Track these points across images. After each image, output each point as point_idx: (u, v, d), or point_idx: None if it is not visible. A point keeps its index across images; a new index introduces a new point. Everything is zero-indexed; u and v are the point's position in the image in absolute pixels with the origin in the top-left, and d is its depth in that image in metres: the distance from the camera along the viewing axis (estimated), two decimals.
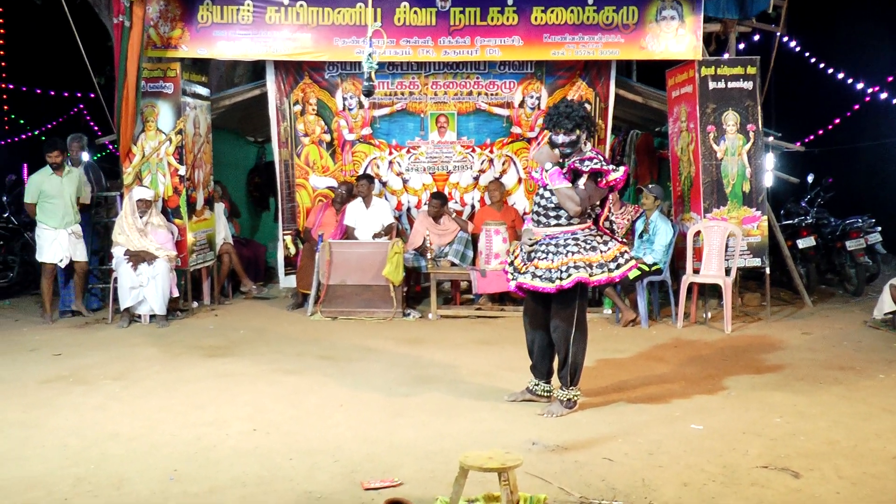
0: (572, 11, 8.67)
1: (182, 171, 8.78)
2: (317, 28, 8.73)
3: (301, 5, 8.67)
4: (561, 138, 5.16)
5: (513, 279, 5.32)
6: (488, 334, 7.87)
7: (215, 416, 5.19)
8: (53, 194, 8.45)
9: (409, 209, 10.06)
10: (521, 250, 5.31)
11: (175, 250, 8.53)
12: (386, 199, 9.83)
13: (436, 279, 8.88)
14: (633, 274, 7.64)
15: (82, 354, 7.01)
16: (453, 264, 9.00)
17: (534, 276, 5.12)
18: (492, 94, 9.87)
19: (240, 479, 4.09)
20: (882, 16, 12.51)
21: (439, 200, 9.40)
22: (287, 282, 9.98)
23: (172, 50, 8.72)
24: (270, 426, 4.97)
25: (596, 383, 5.87)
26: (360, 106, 9.92)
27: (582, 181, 5.09)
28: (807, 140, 13.46)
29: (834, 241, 9.87)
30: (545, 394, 5.42)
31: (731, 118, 8.53)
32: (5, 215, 10.48)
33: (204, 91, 9.44)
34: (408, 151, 10.01)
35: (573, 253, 5.04)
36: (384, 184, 10.01)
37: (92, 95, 15.85)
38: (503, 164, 9.99)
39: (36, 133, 17.91)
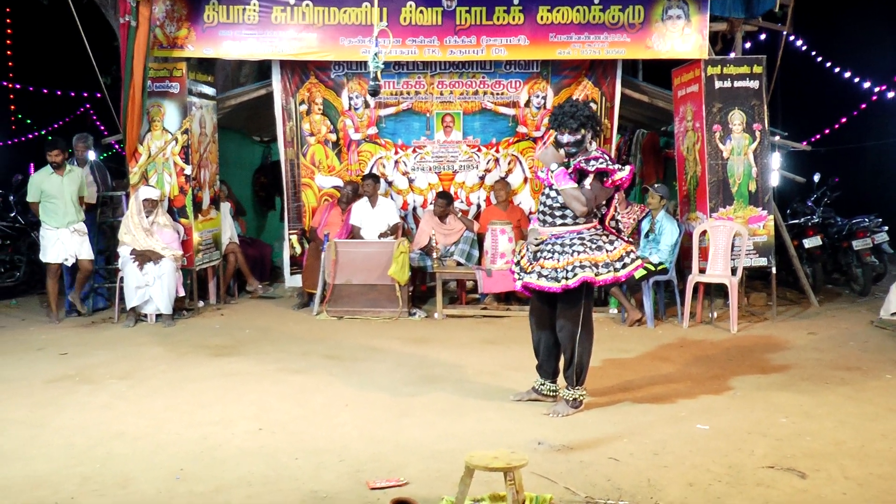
0: (578, 11, 8.66)
1: (188, 170, 8.79)
2: (322, 28, 8.73)
3: (307, 5, 8.67)
4: (566, 138, 5.16)
5: (519, 279, 5.32)
6: (494, 334, 7.87)
7: (221, 415, 5.20)
8: (54, 194, 8.44)
9: (414, 209, 10.07)
10: (528, 250, 5.31)
11: (181, 250, 8.54)
12: (392, 198, 9.83)
13: (441, 279, 8.88)
14: (638, 273, 7.63)
15: (88, 354, 7.03)
16: (459, 264, 9.00)
17: (539, 275, 5.11)
18: (497, 94, 9.87)
19: (245, 479, 4.10)
20: (888, 15, 12.49)
21: (445, 200, 9.40)
22: (293, 281, 9.99)
23: (178, 50, 8.74)
24: (276, 425, 4.97)
25: (601, 383, 5.86)
26: (366, 105, 9.92)
27: (588, 181, 5.08)
28: (813, 139, 13.44)
29: (840, 241, 9.85)
30: (551, 393, 5.42)
31: (737, 117, 8.52)
32: (12, 215, 10.51)
33: (210, 91, 9.46)
34: (413, 151, 10.01)
35: (579, 252, 5.04)
36: (390, 183, 10.02)
37: (98, 95, 15.87)
38: (509, 163, 9.99)
39: (42, 133, 17.95)
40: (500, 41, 8.77)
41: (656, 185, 8.82)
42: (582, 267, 4.99)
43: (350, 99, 9.90)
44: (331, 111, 9.92)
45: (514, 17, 8.71)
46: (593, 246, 5.08)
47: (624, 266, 5.09)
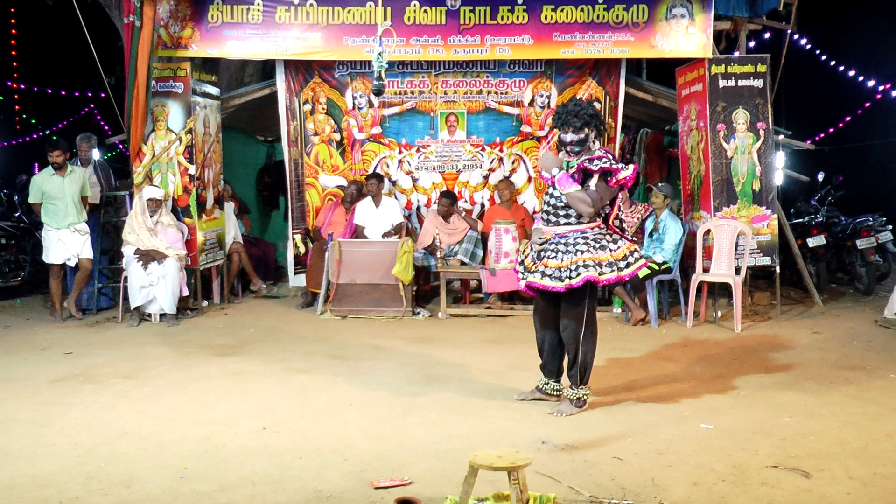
0: (582, 10, 8.66)
1: (192, 170, 8.80)
2: (327, 27, 8.74)
3: (311, 5, 8.68)
4: (569, 136, 5.16)
5: (522, 278, 5.33)
6: (498, 333, 7.87)
7: (225, 414, 5.20)
8: (55, 195, 8.41)
9: (418, 208, 10.07)
10: (532, 249, 5.31)
11: (185, 249, 8.55)
12: (396, 198, 9.84)
13: (445, 278, 8.88)
14: (642, 273, 7.61)
15: (93, 353, 7.04)
16: (463, 263, 9.00)
17: (543, 274, 5.11)
18: (501, 93, 9.87)
19: (249, 478, 4.11)
20: (893, 13, 12.45)
21: (449, 199, 9.39)
22: (297, 281, 10.01)
23: (182, 49, 8.75)
24: (280, 425, 4.98)
25: (605, 382, 5.86)
26: (370, 105, 9.92)
27: (593, 182, 5.08)
28: (817, 138, 13.43)
29: (844, 240, 9.83)
30: (555, 393, 5.42)
31: (741, 116, 8.51)
32: (16, 215, 10.53)
33: (214, 90, 9.47)
34: (417, 150, 10.01)
35: (583, 252, 5.04)
36: (394, 183, 10.02)
37: (102, 95, 15.94)
38: (513, 162, 9.99)
39: (47, 133, 18.01)
40: (504, 40, 8.77)
41: (660, 185, 8.81)
42: (585, 266, 5.00)
43: (354, 98, 9.90)
44: (335, 111, 9.93)
45: (518, 17, 8.71)
46: (597, 245, 5.08)
47: (627, 265, 5.09)
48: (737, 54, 9.00)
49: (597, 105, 9.49)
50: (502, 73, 9.81)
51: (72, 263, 8.56)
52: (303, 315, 8.89)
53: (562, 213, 5.16)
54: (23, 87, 17.21)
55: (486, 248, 8.98)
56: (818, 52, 12.61)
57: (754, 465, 4.24)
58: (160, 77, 8.73)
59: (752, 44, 10.23)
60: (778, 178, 9.47)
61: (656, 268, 8.12)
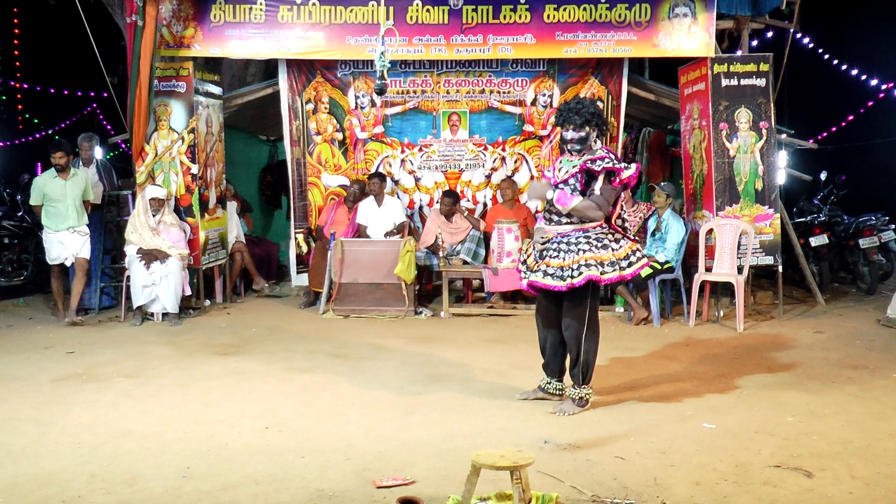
0: (585, 9, 8.67)
1: (194, 169, 8.81)
2: (329, 27, 8.75)
3: (313, 4, 8.68)
4: (570, 134, 5.17)
5: (525, 277, 5.33)
6: (500, 332, 7.87)
7: (228, 413, 5.21)
8: (56, 197, 8.36)
9: (421, 207, 10.07)
10: (534, 248, 5.31)
11: (187, 249, 8.56)
12: (398, 197, 9.84)
13: (448, 277, 8.88)
14: (645, 272, 7.67)
15: (95, 352, 7.05)
16: (465, 262, 9.00)
17: (545, 274, 5.11)
18: (504, 93, 9.86)
19: (252, 477, 4.11)
20: None
21: (451, 199, 9.40)
22: (299, 280, 10.01)
23: (185, 49, 8.76)
24: (282, 424, 4.98)
25: (608, 382, 5.86)
26: (373, 104, 9.92)
27: (598, 186, 5.07)
28: (820, 137, 13.42)
29: (847, 240, 9.83)
30: (557, 392, 5.42)
31: (743, 115, 8.50)
32: (19, 214, 10.53)
33: (216, 90, 9.47)
34: (420, 150, 10.01)
35: (585, 251, 5.04)
36: (396, 182, 10.02)
37: (105, 95, 15.95)
38: (515, 162, 9.99)
39: (50, 132, 18.03)
40: (507, 40, 8.77)
41: (662, 184, 8.81)
42: (587, 265, 4.99)
43: (356, 98, 9.90)
44: (337, 110, 9.93)
45: (520, 16, 8.71)
46: (599, 245, 5.08)
47: (630, 265, 5.09)
48: (739, 53, 9.00)
49: (599, 104, 9.48)
50: (505, 73, 9.80)
51: (68, 263, 8.51)
52: (305, 314, 8.89)
53: (564, 212, 5.16)
54: (25, 86, 17.22)
55: (489, 247, 8.98)
56: (821, 50, 12.59)
57: (757, 464, 4.23)
58: (163, 76, 8.73)
59: (754, 43, 10.23)
60: (780, 178, 9.47)
61: (659, 267, 8.12)
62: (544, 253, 5.19)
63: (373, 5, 8.65)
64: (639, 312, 8.15)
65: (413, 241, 8.82)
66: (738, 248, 8.19)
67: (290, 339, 7.58)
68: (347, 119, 9.94)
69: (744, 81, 8.53)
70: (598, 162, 5.06)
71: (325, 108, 9.89)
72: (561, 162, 5.30)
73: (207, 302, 9.27)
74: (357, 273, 8.75)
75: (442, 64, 9.66)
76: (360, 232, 9.28)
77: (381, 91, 5.98)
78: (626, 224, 8.86)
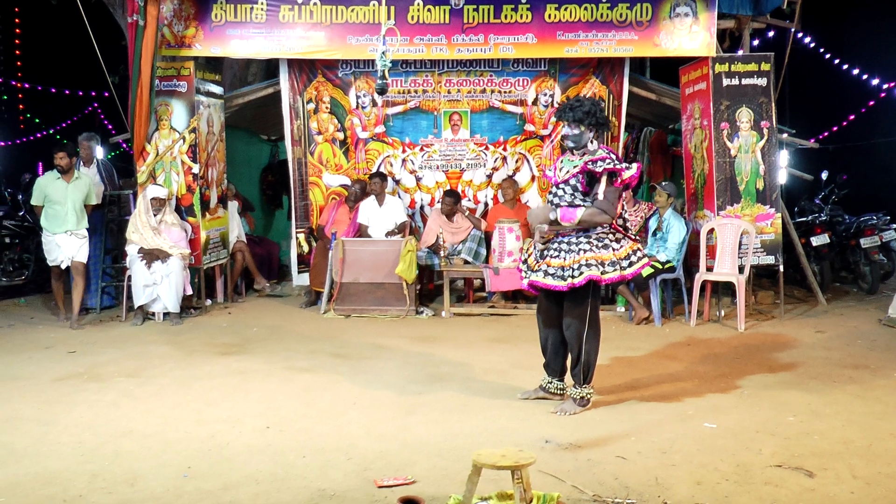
0: (586, 9, 8.67)
1: (196, 169, 8.81)
2: (330, 26, 8.75)
3: (314, 4, 8.69)
4: (565, 130, 5.20)
5: (526, 277, 5.33)
6: (501, 332, 7.87)
7: (229, 413, 5.21)
8: (57, 199, 8.29)
9: (422, 207, 10.07)
10: (535, 248, 5.31)
11: (188, 248, 8.56)
12: (399, 197, 9.84)
13: (449, 277, 8.88)
14: (646, 272, 7.67)
15: (97, 352, 7.05)
16: (466, 262, 9.00)
17: (546, 273, 5.12)
18: (505, 92, 9.86)
19: (253, 477, 4.11)
20: None
21: (452, 198, 9.40)
22: (300, 280, 10.01)
23: (186, 49, 8.77)
24: (284, 424, 4.98)
25: (609, 381, 5.86)
26: (374, 104, 9.92)
27: (601, 189, 5.07)
28: (821, 137, 13.42)
29: (848, 239, 9.82)
30: (558, 392, 5.42)
31: (744, 115, 8.50)
32: (20, 214, 10.53)
33: (217, 89, 9.47)
34: (421, 149, 10.01)
35: (585, 251, 5.04)
36: (397, 182, 10.02)
37: (106, 94, 15.96)
38: (516, 161, 9.99)
39: (51, 132, 18.05)
40: (508, 39, 8.78)
41: (664, 183, 8.80)
42: (588, 265, 5.00)
43: (357, 97, 9.90)
44: (338, 110, 9.93)
45: (521, 16, 8.71)
46: (600, 244, 5.08)
47: (630, 265, 5.09)
48: (740, 53, 8.99)
49: (601, 104, 9.46)
50: (506, 72, 9.80)
51: (63, 266, 8.39)
52: (306, 314, 8.90)
53: (571, 227, 5.15)
54: (27, 86, 17.23)
55: (490, 246, 8.98)
56: (822, 50, 12.59)
57: (758, 464, 4.23)
58: (164, 76, 8.74)
59: (755, 42, 10.22)
60: (782, 177, 9.47)
61: (660, 267, 8.12)
62: (545, 253, 5.19)
63: (374, 5, 8.65)
64: (640, 312, 8.15)
65: (414, 240, 8.82)
66: (740, 248, 8.19)
67: (291, 338, 7.58)
68: (348, 119, 9.94)
69: (745, 81, 8.53)
70: (599, 163, 5.06)
71: (327, 107, 9.89)
72: (562, 161, 5.31)
73: (208, 301, 9.28)
74: (358, 273, 8.76)
75: (443, 63, 9.66)
76: (361, 231, 9.28)
77: (382, 91, 5.98)
78: (628, 224, 8.87)
